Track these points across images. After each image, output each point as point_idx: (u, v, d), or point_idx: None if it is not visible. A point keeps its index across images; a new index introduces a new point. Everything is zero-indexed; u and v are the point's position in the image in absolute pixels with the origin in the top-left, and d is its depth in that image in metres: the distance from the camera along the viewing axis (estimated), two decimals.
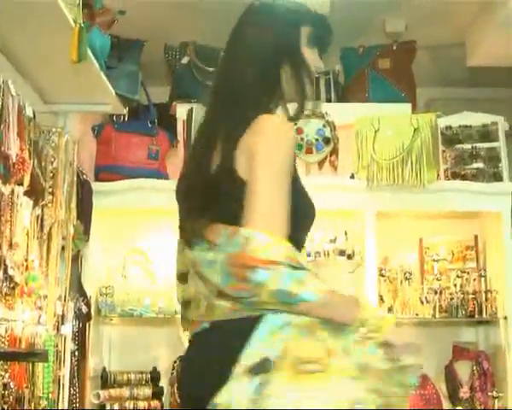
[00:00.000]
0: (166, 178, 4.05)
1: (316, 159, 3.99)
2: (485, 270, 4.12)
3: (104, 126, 4.00)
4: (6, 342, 2.70)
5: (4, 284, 2.70)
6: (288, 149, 1.84)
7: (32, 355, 2.71)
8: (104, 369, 4.10)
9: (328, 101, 4.26)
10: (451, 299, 4.01)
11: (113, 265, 4.16)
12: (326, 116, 4.04)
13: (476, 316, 4.02)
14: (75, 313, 3.50)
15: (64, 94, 3.37)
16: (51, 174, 3.17)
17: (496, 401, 3.91)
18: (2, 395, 2.63)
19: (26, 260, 2.89)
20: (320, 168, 4.04)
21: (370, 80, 4.33)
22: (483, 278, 4.08)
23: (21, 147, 2.76)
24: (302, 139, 3.99)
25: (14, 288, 2.76)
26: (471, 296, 4.03)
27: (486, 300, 4.01)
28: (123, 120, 3.96)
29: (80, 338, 3.55)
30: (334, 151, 4.04)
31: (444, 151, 4.04)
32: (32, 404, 2.88)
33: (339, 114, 4.11)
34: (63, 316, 3.29)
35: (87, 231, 3.59)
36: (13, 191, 2.74)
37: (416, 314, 4.03)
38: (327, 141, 4.02)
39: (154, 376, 4.18)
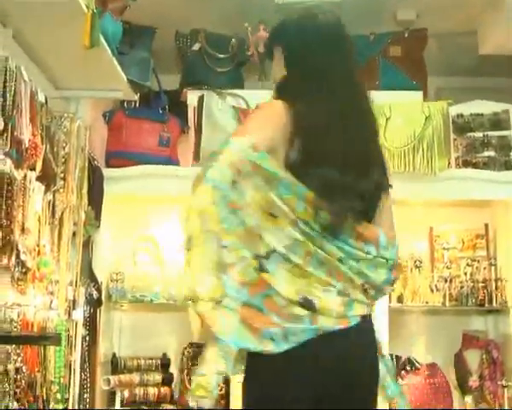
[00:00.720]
0: (177, 164, 4.05)
1: None
2: (495, 259, 4.12)
3: (115, 112, 4.00)
4: (18, 327, 2.72)
5: (16, 269, 2.72)
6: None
7: (43, 339, 2.72)
8: (114, 355, 4.13)
9: None
10: (461, 287, 4.02)
11: (124, 251, 4.17)
12: None
13: (486, 305, 4.02)
14: (86, 298, 3.52)
15: (76, 80, 3.38)
16: (63, 160, 3.18)
17: (505, 390, 3.91)
18: (15, 379, 2.66)
19: (38, 246, 2.91)
20: None
21: (381, 68, 4.30)
22: (493, 267, 4.08)
23: (34, 132, 2.78)
24: None
25: (26, 273, 2.78)
26: (481, 285, 4.03)
27: (496, 288, 4.01)
28: (134, 106, 3.96)
29: (91, 324, 3.57)
30: None
31: (455, 139, 4.03)
32: (44, 388, 2.90)
33: None
34: (74, 301, 3.32)
35: (98, 217, 3.60)
36: (25, 176, 2.75)
37: (426, 302, 4.03)
38: None
39: (164, 362, 4.20)
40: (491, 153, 4.00)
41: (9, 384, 2.60)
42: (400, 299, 4.02)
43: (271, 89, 3.89)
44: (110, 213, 3.82)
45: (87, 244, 3.63)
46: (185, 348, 4.16)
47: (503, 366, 4.04)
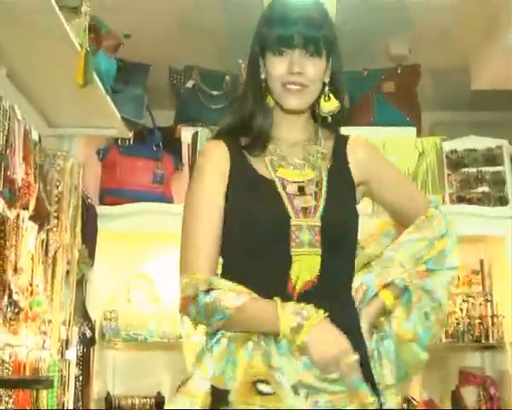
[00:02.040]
0: (171, 201, 4.04)
1: None
2: (491, 294, 4.11)
3: (109, 150, 4.00)
4: (10, 368, 2.69)
5: (9, 309, 2.69)
6: (199, 170, 1.85)
7: (36, 382, 2.69)
8: (108, 393, 4.08)
9: None
10: (458, 324, 4.00)
11: (118, 289, 4.14)
12: None
13: (483, 341, 3.99)
14: (79, 337, 3.49)
15: (69, 118, 3.39)
16: (56, 198, 3.18)
17: None
18: None
19: (31, 285, 2.89)
20: None
21: (375, 104, 4.33)
22: (489, 303, 4.06)
23: (27, 171, 2.77)
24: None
25: (18, 313, 2.75)
26: (477, 321, 4.01)
27: (493, 324, 3.99)
28: (128, 143, 3.96)
29: (84, 363, 3.53)
30: None
31: (449, 175, 4.03)
32: None
33: None
34: (67, 341, 3.28)
35: (92, 256, 3.57)
36: (18, 216, 2.74)
37: None
38: None
39: (159, 401, 4.15)
40: (486, 188, 4.01)
41: None
42: None
43: None
44: (104, 250, 3.79)
45: (81, 283, 3.61)
46: (179, 386, 4.09)
47: (501, 403, 4.00)
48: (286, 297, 1.72)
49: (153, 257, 4.19)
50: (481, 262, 4.25)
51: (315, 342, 1.66)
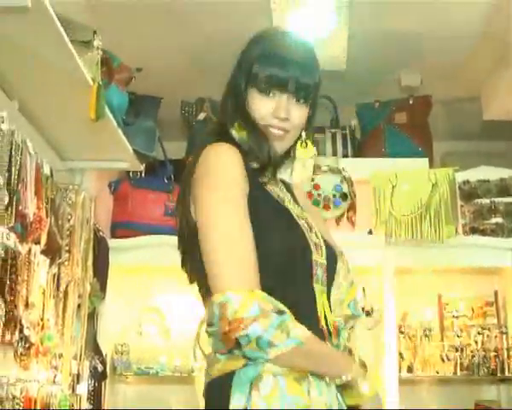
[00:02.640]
0: None
1: (333, 215, 3.96)
2: (506, 326, 4.06)
3: (121, 183, 4.00)
4: (21, 404, 2.66)
5: (20, 345, 2.67)
6: (230, 176, 1.68)
7: None
8: None
9: (345, 156, 4.26)
10: (473, 356, 3.95)
11: (129, 322, 4.13)
12: (343, 172, 4.03)
13: (498, 374, 3.94)
14: (90, 371, 3.45)
15: (81, 151, 3.37)
16: (68, 232, 3.15)
17: None
18: None
19: (42, 320, 2.87)
20: (338, 224, 4.01)
21: (387, 135, 4.32)
22: (504, 335, 4.01)
23: (38, 206, 2.75)
24: (319, 195, 3.97)
25: (29, 348, 2.73)
26: (493, 354, 3.96)
27: (508, 357, 3.95)
28: (139, 176, 3.96)
29: (96, 397, 3.50)
30: (352, 207, 4.01)
31: (462, 206, 4.00)
32: None
33: (356, 169, 4.09)
34: (78, 375, 3.25)
35: (103, 289, 3.56)
36: (30, 251, 2.73)
37: (437, 372, 3.96)
38: (344, 197, 4.00)
39: None
40: (499, 219, 3.97)
41: None
42: (410, 369, 3.94)
43: None
44: (115, 283, 3.78)
45: (92, 316, 3.59)
46: None
47: None
48: (318, 332, 1.68)
49: (164, 290, 4.18)
50: (495, 294, 4.22)
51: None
